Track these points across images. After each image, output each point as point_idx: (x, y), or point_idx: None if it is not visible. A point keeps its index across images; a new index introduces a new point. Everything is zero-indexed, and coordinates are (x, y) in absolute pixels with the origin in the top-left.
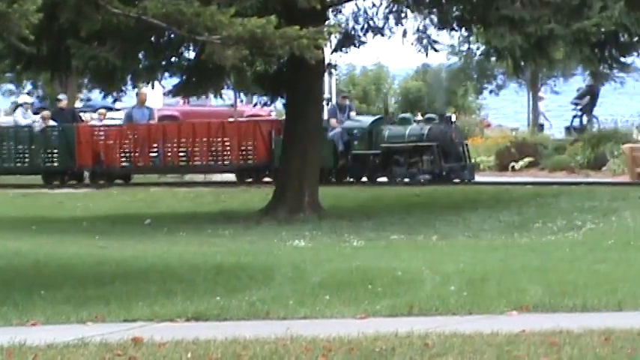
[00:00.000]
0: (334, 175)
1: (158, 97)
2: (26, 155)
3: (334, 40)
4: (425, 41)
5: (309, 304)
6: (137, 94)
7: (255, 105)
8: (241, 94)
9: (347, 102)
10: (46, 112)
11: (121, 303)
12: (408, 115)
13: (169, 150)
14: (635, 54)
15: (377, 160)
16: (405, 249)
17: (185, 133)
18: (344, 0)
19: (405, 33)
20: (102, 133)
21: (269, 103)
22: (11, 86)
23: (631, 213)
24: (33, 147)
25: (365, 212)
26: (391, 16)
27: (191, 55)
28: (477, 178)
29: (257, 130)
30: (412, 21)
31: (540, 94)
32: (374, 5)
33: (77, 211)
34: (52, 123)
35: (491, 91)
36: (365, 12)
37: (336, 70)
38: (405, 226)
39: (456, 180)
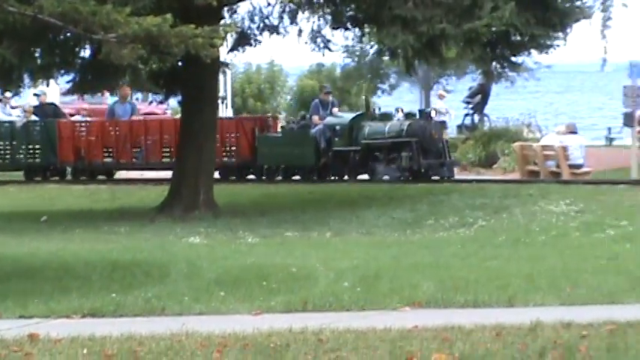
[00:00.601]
0: (316, 174)
1: (55, 94)
2: (7, 151)
3: (230, 38)
4: (319, 40)
5: (205, 300)
6: (119, 89)
7: (151, 102)
8: (137, 92)
9: (330, 98)
10: (29, 107)
11: (17, 300)
12: (388, 111)
13: (152, 146)
14: (526, 53)
15: (357, 157)
16: (299, 246)
17: (167, 129)
18: None
19: (300, 32)
20: (84, 128)
21: (164, 100)
22: None
23: (521, 210)
24: (14, 142)
25: (260, 210)
26: (286, 16)
27: (87, 53)
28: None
29: (240, 128)
30: (307, 20)
31: (441, 92)
32: (269, 4)
33: None
34: (33, 118)
35: (383, 91)
36: (260, 11)
37: (230, 68)
38: (299, 223)
39: (435, 177)
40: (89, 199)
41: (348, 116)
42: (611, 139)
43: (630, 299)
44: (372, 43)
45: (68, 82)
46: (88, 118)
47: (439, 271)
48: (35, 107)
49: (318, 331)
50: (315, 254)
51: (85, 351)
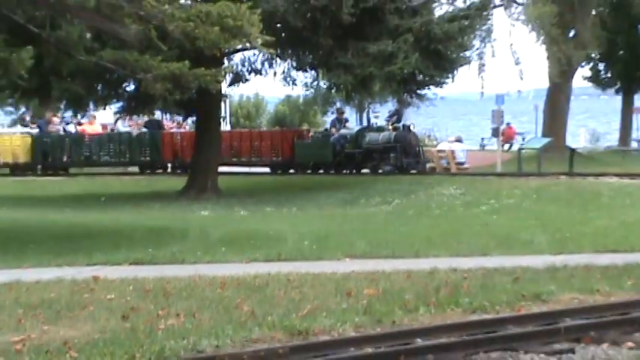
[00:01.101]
0: (333, 168)
1: (110, 116)
2: (127, 152)
3: (228, 77)
4: (288, 79)
5: (212, 253)
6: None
7: (174, 121)
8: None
9: (344, 116)
10: (140, 121)
11: (85, 253)
12: (382, 125)
13: (223, 149)
14: (427, 88)
15: (361, 157)
16: (275, 217)
17: (236, 138)
18: (235, 51)
19: (275, 74)
20: (178, 137)
21: (183, 120)
22: (11, 108)
23: (424, 193)
24: (132, 146)
25: (249, 193)
26: (266, 62)
27: (132, 87)
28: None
29: (284, 136)
30: (280, 66)
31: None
32: (255, 55)
33: (55, 191)
34: (144, 129)
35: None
36: (249, 59)
37: (228, 98)
38: (275, 202)
39: (413, 171)
40: (134, 186)
41: (355, 128)
42: (483, 146)
43: (495, 253)
44: (324, 81)
45: (119, 107)
46: (182, 130)
47: (369, 234)
48: (146, 122)
49: (288, 274)
50: (286, 223)
51: (130, 287)
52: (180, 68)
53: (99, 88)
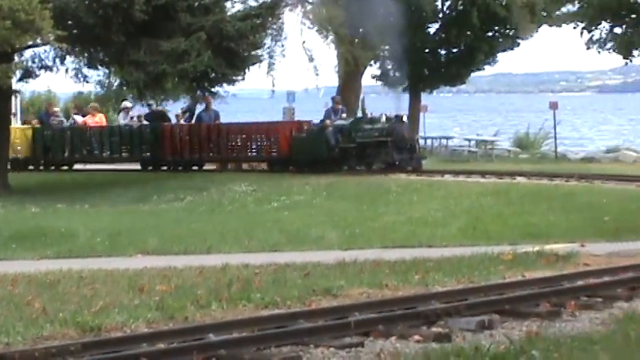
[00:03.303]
0: (328, 164)
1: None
2: (127, 147)
3: (18, 73)
4: (80, 76)
5: (1, 250)
6: (203, 99)
7: None
8: None
9: (340, 106)
10: (140, 114)
11: None
12: (377, 115)
13: (225, 144)
14: (220, 85)
15: (354, 152)
16: (67, 214)
17: (235, 132)
18: (26, 47)
19: (67, 70)
20: (180, 131)
21: None
22: None
23: (216, 190)
24: (132, 140)
25: (41, 190)
26: (57, 59)
27: None
28: None
29: (280, 130)
30: (72, 62)
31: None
32: (45, 51)
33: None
34: (145, 122)
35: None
36: (39, 55)
37: (19, 94)
38: (68, 198)
39: (409, 168)
40: None
41: (350, 120)
42: None
43: (286, 249)
44: (116, 78)
45: None
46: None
47: (161, 230)
48: (146, 114)
49: (80, 271)
50: (78, 219)
51: None
52: None
53: None
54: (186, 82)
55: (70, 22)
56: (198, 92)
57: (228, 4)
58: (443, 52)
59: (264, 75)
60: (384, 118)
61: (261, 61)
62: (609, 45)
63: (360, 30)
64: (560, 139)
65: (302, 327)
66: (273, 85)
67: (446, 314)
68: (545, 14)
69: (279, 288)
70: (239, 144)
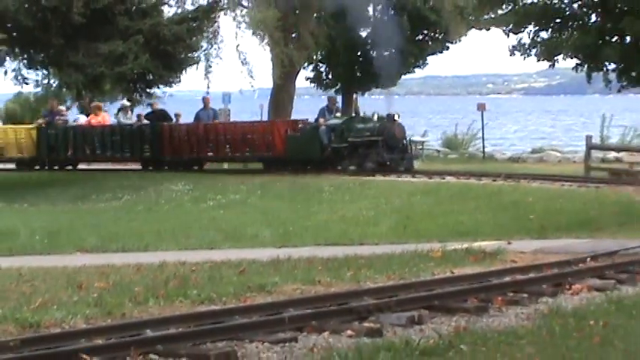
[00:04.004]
0: (321, 164)
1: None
2: (128, 146)
3: None
4: (19, 77)
5: None
6: (202, 99)
7: None
8: None
9: (335, 105)
10: (141, 113)
11: None
12: (369, 115)
13: (222, 143)
14: (157, 87)
15: (346, 152)
16: (6, 213)
17: (230, 131)
18: None
19: (6, 72)
20: (177, 131)
21: None
22: None
23: (153, 189)
24: (132, 140)
25: None
26: None
27: None
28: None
29: (275, 129)
30: (11, 63)
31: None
32: None
33: None
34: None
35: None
36: None
37: None
38: (6, 197)
39: (401, 168)
40: None
41: (343, 118)
42: None
43: (222, 246)
44: (55, 79)
45: None
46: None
47: (99, 228)
48: (147, 114)
49: (19, 268)
50: (17, 218)
51: None
52: None
53: None
54: (124, 83)
55: (9, 25)
56: (135, 94)
57: (165, 8)
58: (374, 54)
59: (201, 77)
60: (375, 117)
61: (197, 63)
62: (533, 51)
63: (294, 33)
64: (488, 139)
65: (237, 323)
66: (209, 87)
67: (377, 310)
68: (473, 18)
69: (215, 285)
70: (235, 143)
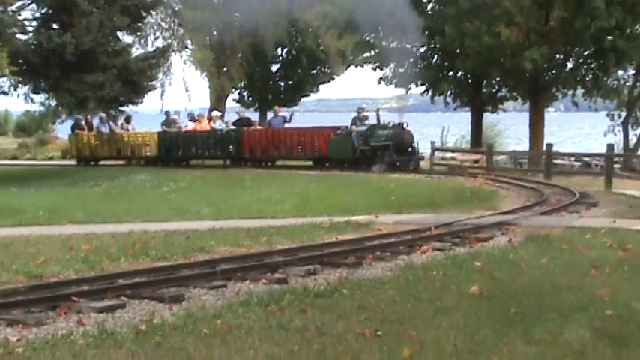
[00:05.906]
0: (353, 164)
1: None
2: (218, 147)
3: None
4: (28, 99)
5: None
6: (272, 108)
7: None
8: None
9: (363, 114)
10: (229, 121)
11: None
12: (387, 122)
13: (284, 145)
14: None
15: (369, 154)
16: (18, 196)
17: (289, 135)
18: None
19: (18, 95)
20: (253, 134)
21: None
22: None
23: (124, 178)
24: (222, 143)
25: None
26: (12, 87)
27: None
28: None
29: (321, 134)
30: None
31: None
32: (3, 81)
33: None
34: (232, 127)
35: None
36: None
37: None
38: (21, 184)
39: (410, 168)
40: None
41: (367, 125)
42: None
43: (174, 220)
44: (54, 100)
45: None
46: (259, 127)
47: (86, 207)
48: (235, 121)
49: (27, 235)
50: (26, 199)
51: None
52: None
53: None
54: (103, 103)
55: (20, 61)
56: (111, 110)
57: (133, 50)
58: (282, 83)
59: (158, 98)
60: (390, 125)
61: (155, 89)
62: (394, 81)
63: (225, 68)
64: None
65: (184, 274)
66: (162, 106)
67: (284, 265)
68: (352, 57)
69: (168, 247)
70: (293, 145)
